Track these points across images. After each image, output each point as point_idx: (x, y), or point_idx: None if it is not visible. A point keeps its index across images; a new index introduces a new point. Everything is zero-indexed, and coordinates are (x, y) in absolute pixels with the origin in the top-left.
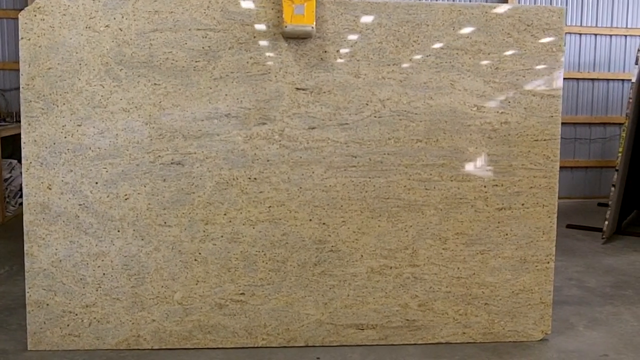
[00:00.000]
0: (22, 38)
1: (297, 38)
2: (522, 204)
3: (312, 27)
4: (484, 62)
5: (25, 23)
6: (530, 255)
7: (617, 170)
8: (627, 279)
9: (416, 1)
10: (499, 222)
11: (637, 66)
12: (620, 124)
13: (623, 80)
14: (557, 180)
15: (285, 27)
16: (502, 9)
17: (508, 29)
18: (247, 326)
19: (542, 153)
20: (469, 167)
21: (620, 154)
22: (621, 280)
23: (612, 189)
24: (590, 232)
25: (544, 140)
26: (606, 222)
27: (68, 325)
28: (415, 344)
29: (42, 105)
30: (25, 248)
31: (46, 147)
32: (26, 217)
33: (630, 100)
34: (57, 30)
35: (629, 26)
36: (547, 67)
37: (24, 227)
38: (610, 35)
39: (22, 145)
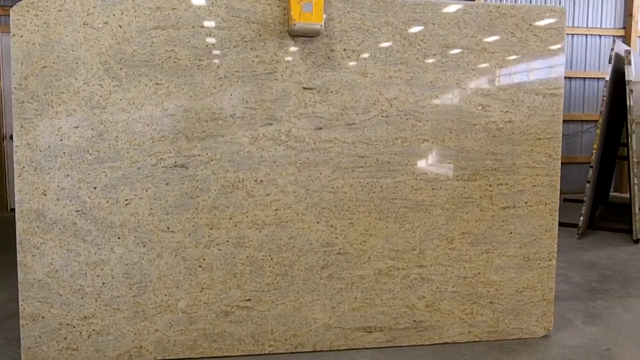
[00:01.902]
0: (13, 35)
1: (305, 36)
2: (526, 202)
3: (321, 26)
4: (489, 61)
5: (17, 19)
6: (533, 253)
7: (591, 166)
8: (610, 273)
9: (422, 0)
10: (503, 221)
11: (610, 65)
12: (582, 122)
13: (584, 78)
14: (558, 178)
15: (294, 25)
16: (505, 8)
17: (512, 28)
18: (254, 333)
19: (544, 151)
20: (475, 166)
21: (594, 151)
22: (604, 274)
23: (587, 185)
24: (563, 227)
25: (547, 138)
26: (581, 218)
27: (65, 339)
28: (422, 345)
29: (36, 106)
30: (18, 258)
31: (40, 151)
32: (19, 226)
33: (604, 98)
34: (52, 27)
35: (589, 26)
36: (549, 66)
37: (17, 236)
38: (572, 35)
39: (15, 149)
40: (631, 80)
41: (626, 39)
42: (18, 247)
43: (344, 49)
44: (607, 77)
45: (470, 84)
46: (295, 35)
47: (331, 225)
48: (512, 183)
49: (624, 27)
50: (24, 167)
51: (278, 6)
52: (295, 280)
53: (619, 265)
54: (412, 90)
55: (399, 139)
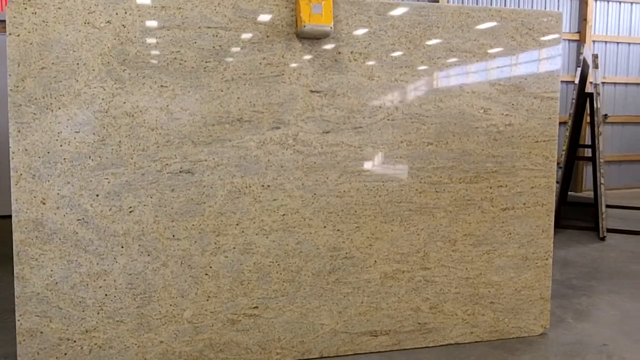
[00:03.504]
0: (9, 34)
1: (314, 38)
2: (524, 204)
3: (331, 27)
4: (490, 65)
5: (14, 17)
6: (531, 253)
7: (560, 167)
8: (586, 270)
9: (427, 3)
10: (503, 222)
11: (579, 68)
12: None
13: None
14: (554, 180)
15: (304, 26)
16: (506, 12)
17: (512, 32)
18: (261, 341)
19: (541, 154)
20: (477, 168)
21: (564, 152)
22: (581, 271)
23: (557, 185)
24: None
25: (544, 141)
26: None
27: (65, 354)
28: (427, 347)
29: (34, 110)
30: (15, 271)
31: (39, 157)
32: (16, 236)
33: (573, 101)
34: (52, 26)
35: None
36: (547, 70)
37: (14, 248)
38: None
39: (11, 155)
40: (598, 84)
41: (581, 43)
42: (15, 259)
43: (351, 52)
44: (576, 81)
45: (473, 87)
46: (305, 37)
47: (338, 230)
48: (511, 185)
49: (578, 32)
50: (21, 174)
51: (285, 7)
52: (302, 286)
53: (592, 262)
54: (417, 93)
55: (404, 143)
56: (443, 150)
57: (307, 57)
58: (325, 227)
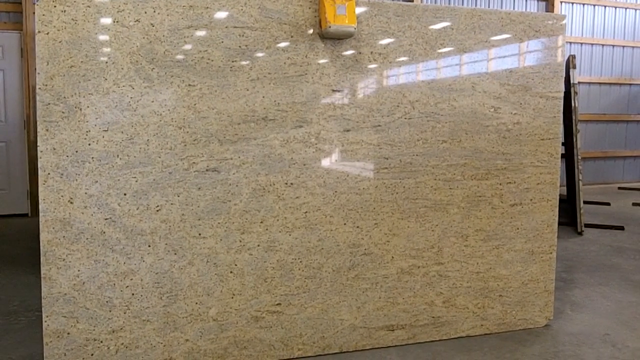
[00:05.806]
0: (39, 32)
1: (338, 39)
2: (531, 200)
3: (354, 28)
4: (500, 66)
5: (43, 15)
6: (537, 247)
7: None
8: (572, 264)
9: (442, 5)
10: (511, 218)
11: None
12: None
13: None
14: (558, 176)
15: (329, 27)
16: (514, 15)
17: (520, 34)
18: (283, 337)
19: (546, 151)
20: (487, 166)
21: None
22: (567, 265)
23: None
24: None
25: (549, 139)
26: None
27: (92, 355)
28: (440, 340)
29: (63, 109)
30: (42, 272)
31: (67, 156)
32: (43, 236)
33: None
34: (81, 24)
35: None
36: (552, 71)
37: (41, 248)
38: None
39: (39, 154)
40: (576, 84)
41: None
42: (42, 259)
43: (371, 52)
44: None
45: (484, 87)
46: (329, 37)
47: (357, 227)
48: (519, 181)
49: None
50: (49, 173)
51: (309, 8)
52: (324, 283)
53: (575, 256)
54: (432, 92)
55: (420, 141)
56: (456, 148)
57: (329, 57)
58: (345, 224)
